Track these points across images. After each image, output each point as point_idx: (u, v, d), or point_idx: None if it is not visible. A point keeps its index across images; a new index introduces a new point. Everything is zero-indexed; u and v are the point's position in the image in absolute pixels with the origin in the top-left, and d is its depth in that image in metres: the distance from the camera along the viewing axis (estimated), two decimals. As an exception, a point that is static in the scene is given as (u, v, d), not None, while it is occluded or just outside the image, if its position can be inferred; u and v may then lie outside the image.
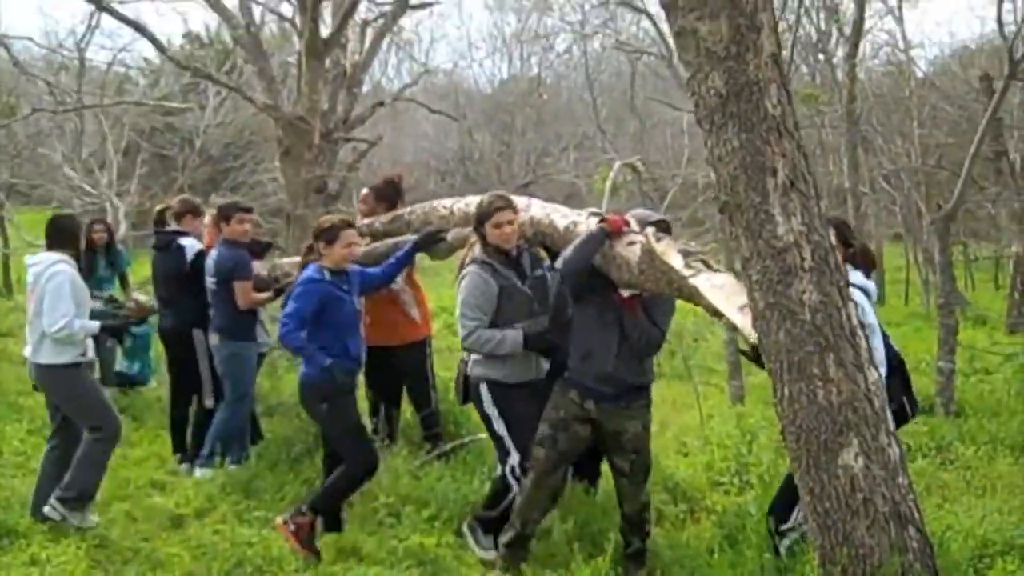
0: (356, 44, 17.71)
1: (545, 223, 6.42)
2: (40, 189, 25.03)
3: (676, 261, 5.27)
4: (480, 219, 6.25)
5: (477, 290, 6.17)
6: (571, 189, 27.24)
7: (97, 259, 11.37)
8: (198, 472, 8.03)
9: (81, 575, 6.08)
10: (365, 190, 8.70)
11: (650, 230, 5.60)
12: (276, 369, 11.06)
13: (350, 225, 6.74)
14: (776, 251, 4.56)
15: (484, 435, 7.34)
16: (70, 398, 7.01)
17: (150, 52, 30.36)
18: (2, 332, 18.35)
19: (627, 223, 5.89)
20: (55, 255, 6.95)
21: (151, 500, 7.48)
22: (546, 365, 6.32)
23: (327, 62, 16.38)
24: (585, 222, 6.13)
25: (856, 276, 5.52)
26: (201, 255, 8.48)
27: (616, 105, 28.17)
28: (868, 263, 5.89)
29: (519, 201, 6.62)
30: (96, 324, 7.05)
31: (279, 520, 6.41)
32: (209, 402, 8.48)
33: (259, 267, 8.70)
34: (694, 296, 5.20)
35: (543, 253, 6.71)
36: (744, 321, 4.80)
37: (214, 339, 8.30)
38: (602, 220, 5.94)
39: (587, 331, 5.95)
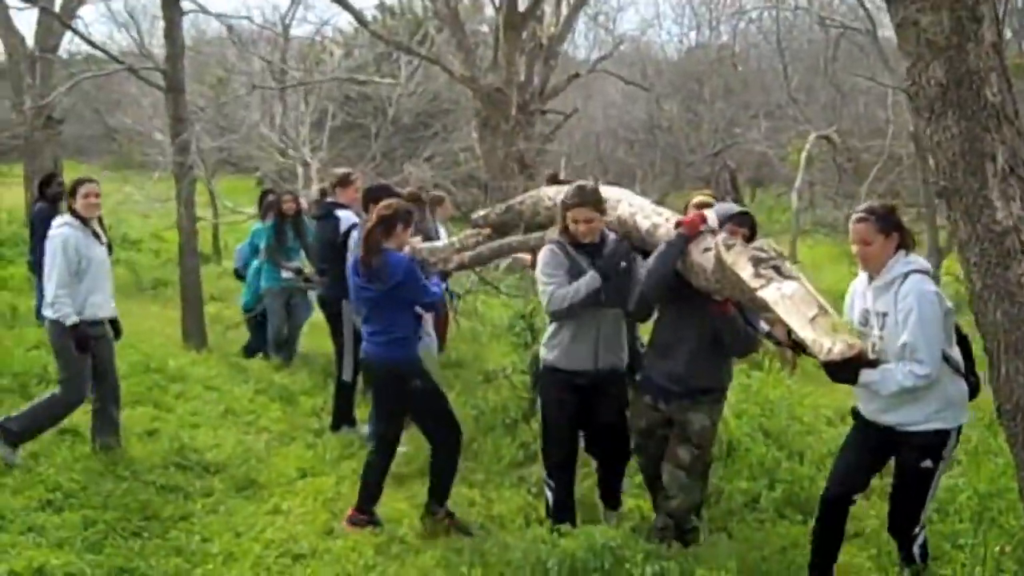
0: (552, 16, 18.06)
1: (630, 223, 6.24)
2: (244, 160, 26.04)
3: (746, 271, 5.13)
4: (562, 208, 6.16)
5: (551, 261, 6.12)
6: (762, 159, 27.09)
7: (287, 230, 11.56)
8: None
9: (321, 525, 6.61)
10: None
11: (720, 237, 5.39)
12: (479, 337, 11.53)
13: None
14: (995, 235, 4.66)
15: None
16: (57, 351, 7.50)
17: (344, 23, 31.21)
18: (214, 296, 19.25)
19: (704, 220, 5.67)
20: (65, 217, 7.49)
21: (375, 460, 7.97)
22: (613, 359, 6.24)
23: (523, 34, 16.79)
24: (666, 224, 5.93)
25: (915, 259, 5.29)
26: (355, 228, 8.54)
27: (808, 73, 27.78)
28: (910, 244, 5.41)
29: (611, 194, 6.50)
30: (75, 319, 7.30)
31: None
32: (347, 375, 8.68)
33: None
34: (765, 309, 5.12)
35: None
36: (814, 335, 4.73)
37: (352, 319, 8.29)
38: (679, 224, 5.74)
39: (668, 329, 5.98)
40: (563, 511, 6.33)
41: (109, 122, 35.65)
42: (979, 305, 4.82)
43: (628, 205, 6.35)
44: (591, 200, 6.06)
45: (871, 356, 5.04)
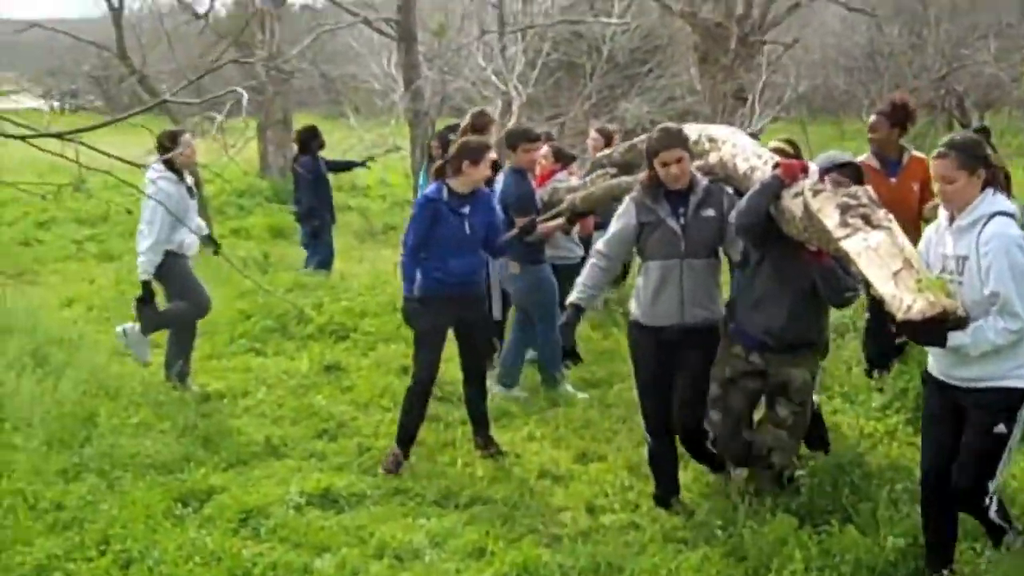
0: (771, -54, 17.81)
1: (730, 166, 5.97)
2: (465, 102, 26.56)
3: (832, 219, 4.82)
4: (649, 155, 5.87)
5: (616, 224, 6.03)
6: (992, 80, 26.02)
7: None
8: (497, 389, 8.11)
9: (576, 450, 7.05)
10: (873, 117, 7.83)
11: (808, 182, 5.14)
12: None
13: (489, 147, 6.88)
14: None
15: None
16: (166, 280, 8.00)
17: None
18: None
19: (805, 169, 5.36)
20: (157, 169, 7.72)
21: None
22: (700, 312, 5.85)
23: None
24: (763, 168, 5.63)
25: (1002, 201, 4.72)
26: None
27: (1041, -13, 26.58)
28: (1007, 185, 4.88)
29: (718, 134, 6.29)
30: (148, 278, 7.84)
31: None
32: (497, 313, 8.49)
33: (564, 176, 8.74)
34: (849, 260, 4.78)
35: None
36: (895, 290, 4.36)
37: (513, 267, 8.17)
38: (776, 166, 5.46)
39: (761, 282, 5.69)
40: (660, 467, 6.19)
41: (329, 72, 36.69)
42: None
43: (732, 147, 6.09)
44: (680, 140, 5.79)
45: (960, 314, 4.43)
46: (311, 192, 12.26)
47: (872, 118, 7.82)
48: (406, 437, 6.87)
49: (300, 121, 23.14)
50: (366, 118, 23.48)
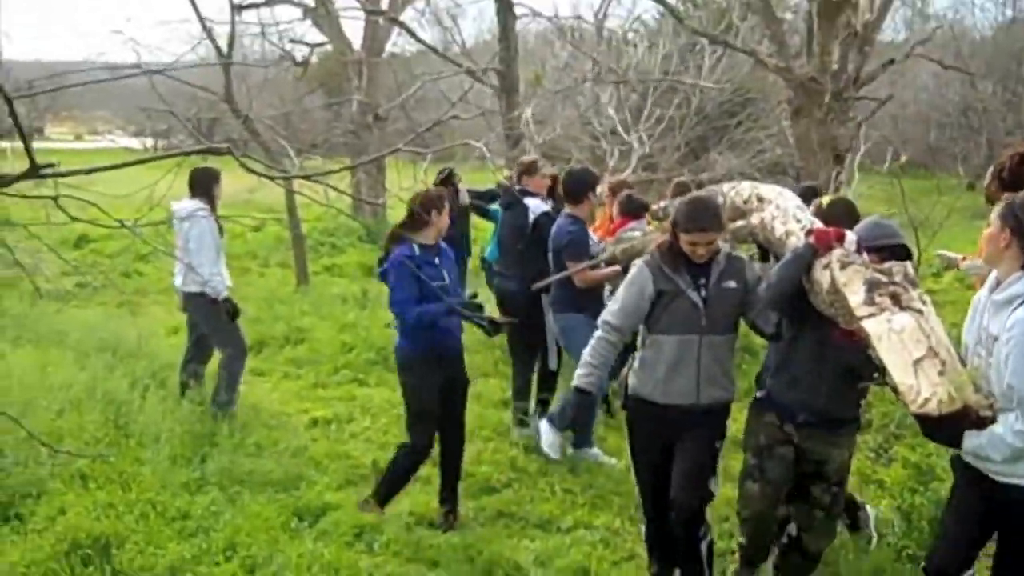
0: (866, 2, 17.98)
1: (769, 228, 5.50)
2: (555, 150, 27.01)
3: (856, 295, 4.38)
4: (675, 224, 5.34)
5: (629, 292, 5.40)
6: (1090, 139, 25.92)
7: None
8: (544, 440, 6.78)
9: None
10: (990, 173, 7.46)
11: (838, 252, 4.66)
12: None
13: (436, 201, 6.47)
14: None
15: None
16: (207, 321, 8.38)
17: (646, 15, 31.77)
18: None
19: (841, 238, 4.80)
20: (196, 203, 8.14)
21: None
22: (716, 392, 5.38)
23: (838, 22, 16.82)
24: (798, 233, 5.16)
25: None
26: (544, 217, 8.36)
27: None
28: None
29: (766, 194, 5.75)
30: (226, 293, 8.19)
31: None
32: (553, 363, 8.33)
33: (635, 226, 8.23)
34: (868, 344, 4.30)
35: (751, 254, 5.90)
36: (912, 380, 3.94)
37: (549, 311, 8.07)
38: (809, 233, 4.95)
39: (798, 358, 5.22)
40: (659, 551, 5.79)
41: (417, 118, 37.33)
42: None
43: (775, 208, 5.56)
44: (715, 222, 5.28)
45: (984, 413, 3.97)
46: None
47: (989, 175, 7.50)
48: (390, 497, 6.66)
49: (391, 164, 23.72)
50: (463, 160, 24.03)
